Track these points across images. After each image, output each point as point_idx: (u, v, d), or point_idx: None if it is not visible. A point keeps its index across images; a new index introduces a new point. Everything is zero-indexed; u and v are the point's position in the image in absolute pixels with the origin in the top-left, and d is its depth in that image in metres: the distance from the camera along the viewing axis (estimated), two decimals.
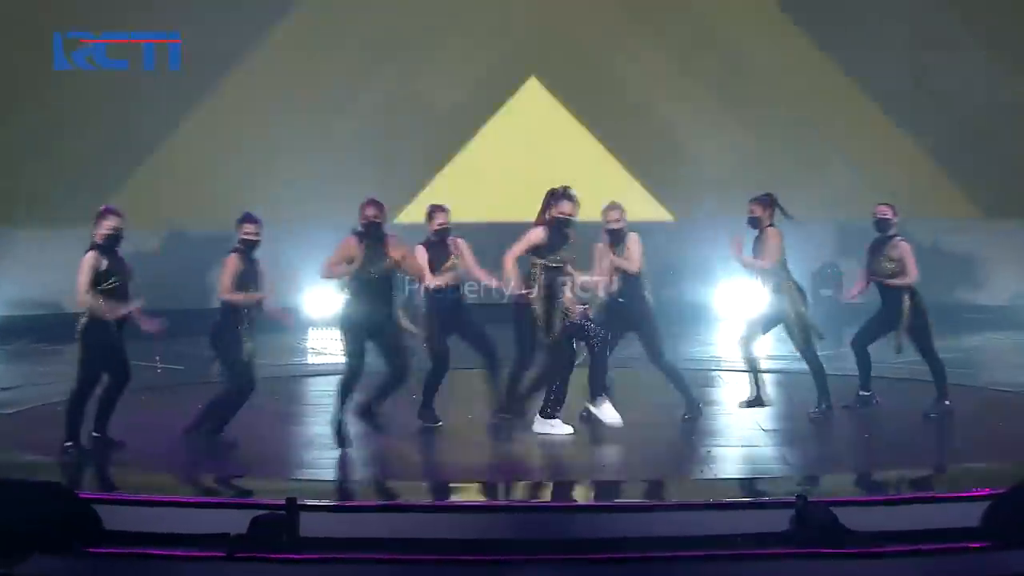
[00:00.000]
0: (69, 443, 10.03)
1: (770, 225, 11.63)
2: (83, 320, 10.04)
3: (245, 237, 10.34)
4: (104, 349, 10.06)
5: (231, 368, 10.14)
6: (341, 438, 10.27)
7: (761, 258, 11.59)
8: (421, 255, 10.88)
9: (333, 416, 10.41)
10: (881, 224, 11.93)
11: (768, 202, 11.67)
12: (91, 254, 10.02)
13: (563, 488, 9.48)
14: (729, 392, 13.37)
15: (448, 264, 10.99)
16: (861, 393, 11.93)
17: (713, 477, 9.59)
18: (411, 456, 10.37)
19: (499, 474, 9.75)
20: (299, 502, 7.36)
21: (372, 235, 10.36)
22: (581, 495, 9.37)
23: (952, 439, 10.95)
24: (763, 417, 11.77)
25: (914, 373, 12.75)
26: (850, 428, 11.31)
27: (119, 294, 10.07)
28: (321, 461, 10.09)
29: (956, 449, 10.61)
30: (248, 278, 10.29)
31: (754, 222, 11.71)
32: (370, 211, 10.40)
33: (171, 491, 9.31)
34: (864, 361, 11.98)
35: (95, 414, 10.25)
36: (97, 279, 9.98)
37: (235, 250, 10.32)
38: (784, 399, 13.33)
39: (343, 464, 10.10)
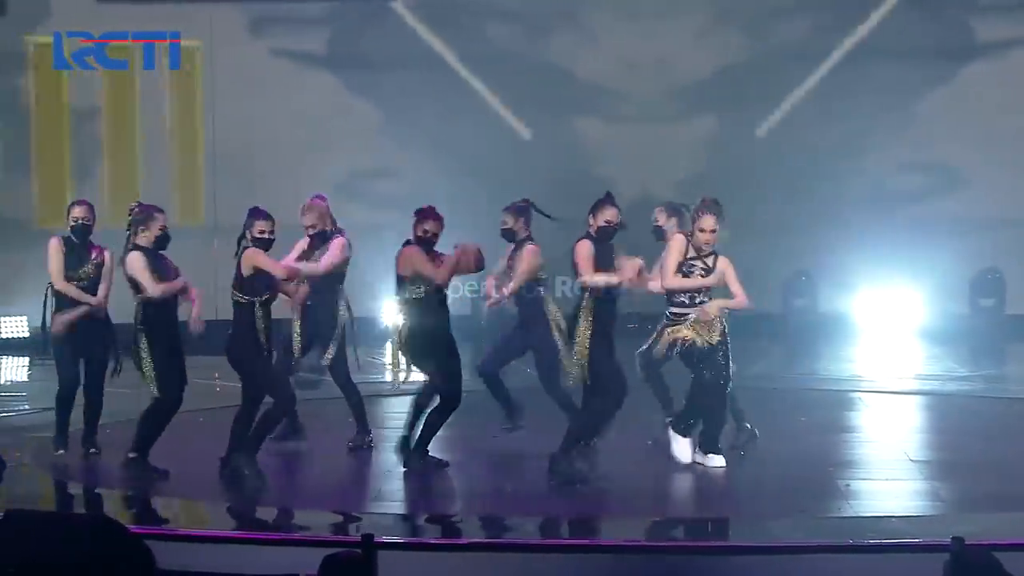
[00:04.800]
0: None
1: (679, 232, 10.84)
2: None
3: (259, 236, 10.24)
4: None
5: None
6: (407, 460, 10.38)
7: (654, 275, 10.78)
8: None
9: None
10: (657, 232, 11.21)
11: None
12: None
13: (682, 526, 9.43)
14: (871, 416, 13.24)
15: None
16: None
17: (854, 515, 9.48)
18: (505, 486, 10.37)
19: (608, 509, 9.73)
20: (377, 539, 7.39)
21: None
22: (700, 534, 9.32)
23: None
24: (911, 446, 11.64)
25: None
26: (1015, 459, 11.11)
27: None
28: (402, 493, 10.13)
29: None
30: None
31: (659, 232, 11.12)
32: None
33: (231, 526, 9.42)
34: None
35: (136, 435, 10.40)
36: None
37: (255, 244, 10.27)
38: (935, 426, 13.19)
39: (428, 496, 10.14)
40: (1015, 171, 19.01)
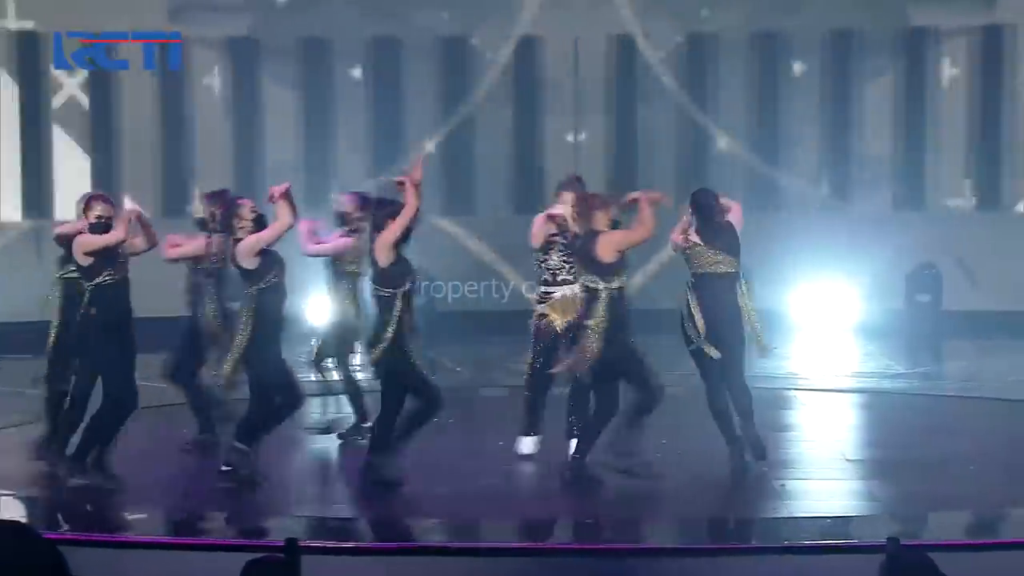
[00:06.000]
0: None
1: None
2: None
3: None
4: None
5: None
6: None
7: None
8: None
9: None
10: (338, 218, 11.30)
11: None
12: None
13: (612, 528, 9.39)
14: (806, 415, 13.26)
15: None
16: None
17: (788, 516, 9.48)
18: (432, 490, 10.29)
19: (534, 511, 9.67)
20: (301, 543, 7.31)
21: None
22: (634, 537, 9.28)
23: None
24: (847, 445, 11.65)
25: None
26: (951, 458, 11.14)
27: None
28: (327, 496, 10.05)
29: None
30: None
31: (341, 219, 11.29)
32: None
33: (150, 531, 9.30)
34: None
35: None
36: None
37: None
38: (872, 424, 13.23)
39: (353, 499, 10.05)
40: (952, 165, 19.12)
